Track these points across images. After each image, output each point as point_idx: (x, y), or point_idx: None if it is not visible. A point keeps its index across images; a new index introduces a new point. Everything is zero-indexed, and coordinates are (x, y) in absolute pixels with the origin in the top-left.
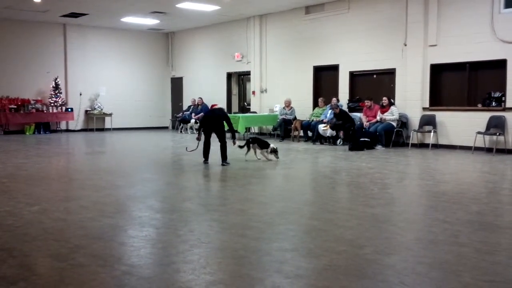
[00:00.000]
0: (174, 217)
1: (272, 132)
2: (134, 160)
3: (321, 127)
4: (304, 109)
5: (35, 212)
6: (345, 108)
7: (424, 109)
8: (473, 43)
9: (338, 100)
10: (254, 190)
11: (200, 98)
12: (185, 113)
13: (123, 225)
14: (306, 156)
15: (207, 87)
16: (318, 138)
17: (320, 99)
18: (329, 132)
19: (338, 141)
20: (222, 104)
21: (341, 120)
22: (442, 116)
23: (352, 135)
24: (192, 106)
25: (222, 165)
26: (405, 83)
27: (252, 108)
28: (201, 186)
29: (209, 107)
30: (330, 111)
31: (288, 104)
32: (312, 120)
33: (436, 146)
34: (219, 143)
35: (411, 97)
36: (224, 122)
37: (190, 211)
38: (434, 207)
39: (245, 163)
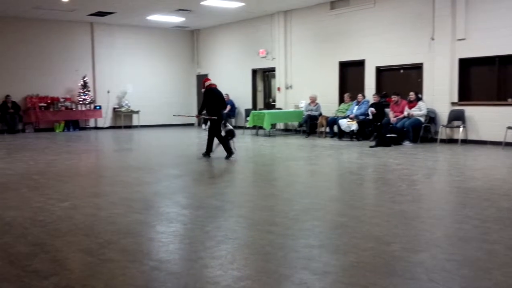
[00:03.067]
0: (201, 213)
1: (297, 129)
2: (161, 157)
3: (344, 122)
4: (329, 105)
5: (65, 208)
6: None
7: (453, 104)
8: (503, 37)
9: (363, 96)
10: (280, 186)
11: (226, 94)
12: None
13: (151, 221)
14: (331, 152)
15: (232, 83)
16: (342, 134)
17: (346, 95)
18: (354, 126)
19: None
20: (247, 100)
21: (377, 111)
22: (471, 111)
23: (378, 131)
24: None
25: (226, 158)
26: (432, 77)
27: (278, 105)
28: (226, 183)
29: (206, 83)
30: (356, 106)
31: (313, 100)
32: (337, 116)
33: (465, 141)
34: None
35: (439, 92)
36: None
37: (217, 208)
38: (463, 203)
39: (270, 159)
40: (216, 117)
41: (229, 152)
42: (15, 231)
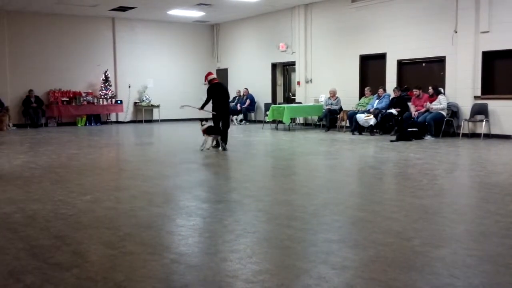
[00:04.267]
0: (220, 207)
1: (317, 123)
2: (181, 151)
3: (362, 116)
4: (350, 99)
5: (87, 201)
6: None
7: (476, 97)
8: None
9: (384, 90)
10: (299, 181)
11: (246, 88)
12: (230, 104)
13: (171, 215)
14: (351, 147)
15: (252, 78)
16: (357, 129)
17: (366, 89)
18: (372, 121)
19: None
20: (267, 94)
21: (399, 106)
22: (495, 105)
23: (399, 125)
24: (237, 97)
25: (223, 150)
26: (455, 71)
27: (297, 99)
28: (245, 177)
29: (208, 78)
30: (377, 101)
31: (333, 94)
32: (358, 110)
33: (488, 136)
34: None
35: (461, 86)
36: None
37: (236, 202)
38: (485, 198)
39: (289, 153)
40: (215, 113)
41: (224, 145)
42: (37, 224)
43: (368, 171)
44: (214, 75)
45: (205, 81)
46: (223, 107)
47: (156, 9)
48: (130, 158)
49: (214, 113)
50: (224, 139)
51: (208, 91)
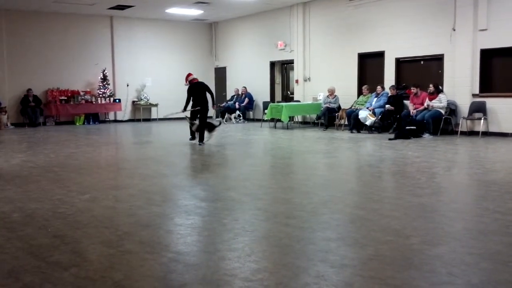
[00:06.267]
0: (219, 205)
1: (315, 121)
2: (179, 149)
3: (365, 113)
4: (348, 98)
5: (85, 200)
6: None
7: (474, 95)
8: None
9: (383, 88)
10: (298, 179)
11: (244, 87)
12: (228, 102)
13: (169, 213)
14: (350, 145)
15: (250, 76)
16: (355, 127)
17: (364, 87)
18: (369, 121)
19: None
20: (265, 92)
21: (395, 104)
22: (493, 103)
23: (397, 123)
24: (235, 96)
25: (199, 144)
26: (453, 69)
27: (296, 97)
28: (244, 175)
29: (189, 79)
30: (375, 99)
31: (331, 93)
32: (357, 109)
33: (486, 134)
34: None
35: (460, 84)
36: (207, 92)
37: (234, 200)
38: (484, 196)
39: (288, 152)
40: (199, 107)
41: (202, 140)
42: (36, 223)
43: (367, 169)
44: (194, 76)
45: (186, 82)
46: (201, 103)
47: (154, 8)
48: (129, 157)
49: (198, 108)
50: (201, 134)
51: (188, 91)
